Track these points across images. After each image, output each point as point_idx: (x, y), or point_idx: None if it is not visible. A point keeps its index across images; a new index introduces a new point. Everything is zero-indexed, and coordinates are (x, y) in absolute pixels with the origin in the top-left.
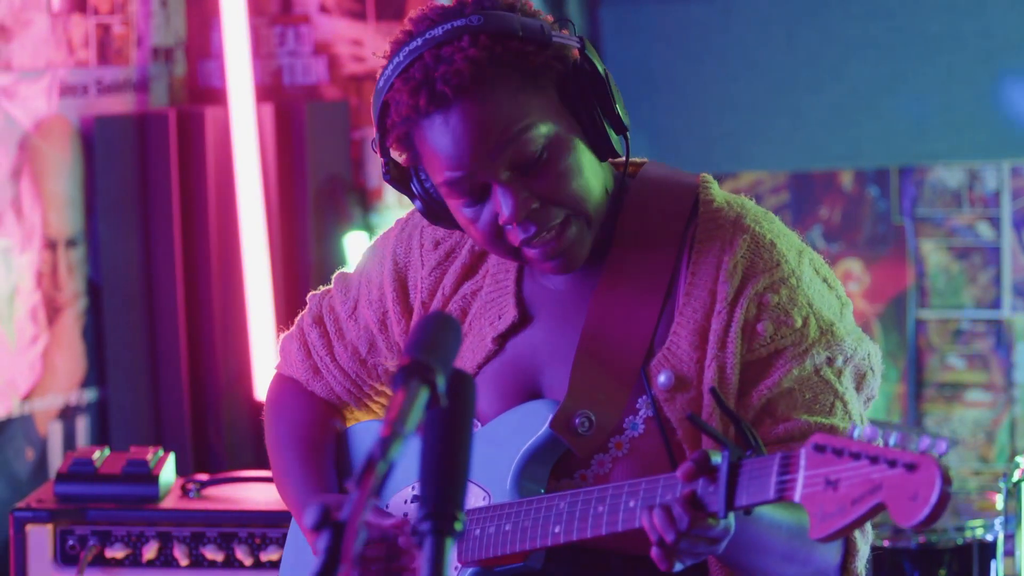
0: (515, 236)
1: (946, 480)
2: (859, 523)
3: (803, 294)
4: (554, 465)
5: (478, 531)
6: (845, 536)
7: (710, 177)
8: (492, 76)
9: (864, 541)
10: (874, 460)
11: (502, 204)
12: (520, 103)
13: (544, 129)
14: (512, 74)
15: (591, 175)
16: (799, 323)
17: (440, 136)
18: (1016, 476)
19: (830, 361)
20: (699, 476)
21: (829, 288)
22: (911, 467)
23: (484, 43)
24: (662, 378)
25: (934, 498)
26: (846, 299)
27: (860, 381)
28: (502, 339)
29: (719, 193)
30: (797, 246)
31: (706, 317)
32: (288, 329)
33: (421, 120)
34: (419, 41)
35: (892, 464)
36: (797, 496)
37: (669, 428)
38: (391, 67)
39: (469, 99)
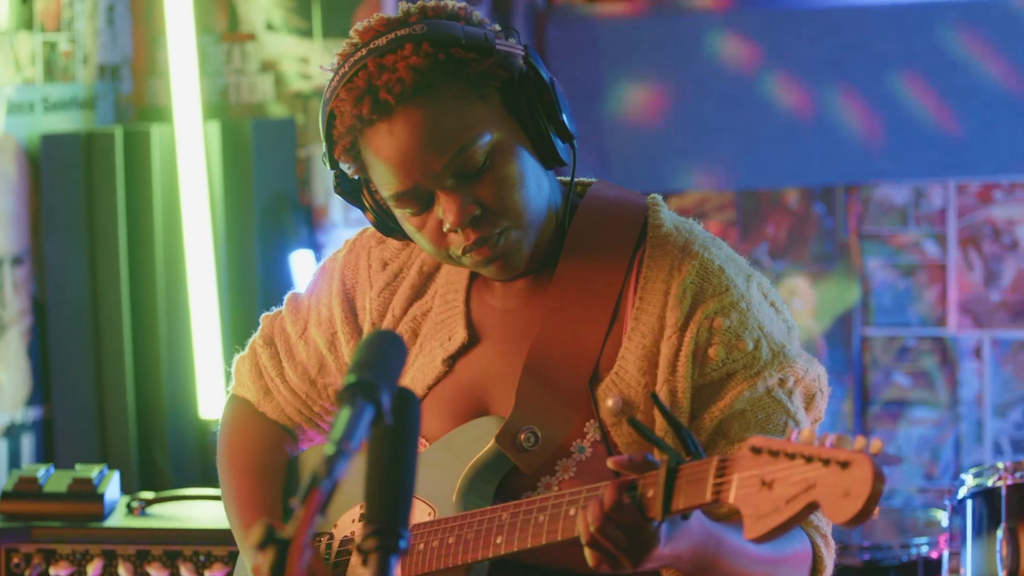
0: (457, 242)
1: (878, 477)
2: (793, 522)
3: (753, 318)
4: (502, 487)
5: (422, 545)
6: (780, 536)
7: (659, 199)
8: (435, 84)
9: (829, 557)
10: (809, 460)
11: (446, 211)
12: (464, 111)
13: (488, 137)
14: (455, 82)
15: (534, 185)
16: (751, 346)
17: (385, 145)
18: (961, 493)
19: (782, 383)
20: (630, 468)
21: (777, 312)
22: (844, 465)
23: (427, 51)
24: (610, 403)
25: (866, 494)
26: (792, 323)
27: (809, 402)
28: (452, 360)
29: (668, 216)
30: (745, 271)
31: (655, 343)
32: (236, 347)
33: (365, 129)
34: (363, 51)
35: (826, 463)
36: (731, 497)
37: (616, 452)
38: (337, 77)
39: (412, 107)
